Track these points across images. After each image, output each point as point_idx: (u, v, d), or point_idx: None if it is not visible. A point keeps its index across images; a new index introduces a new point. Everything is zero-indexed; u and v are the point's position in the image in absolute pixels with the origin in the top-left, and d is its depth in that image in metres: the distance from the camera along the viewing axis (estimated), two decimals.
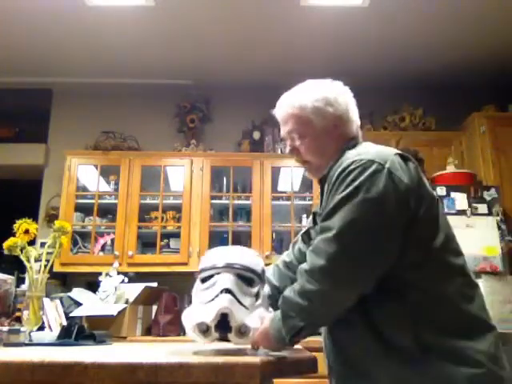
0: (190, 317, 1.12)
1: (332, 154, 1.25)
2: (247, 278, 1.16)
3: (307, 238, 1.40)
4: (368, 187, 1.05)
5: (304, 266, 1.09)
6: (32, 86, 4.07)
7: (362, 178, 1.06)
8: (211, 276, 1.16)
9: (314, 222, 1.31)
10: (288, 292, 1.10)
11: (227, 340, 1.10)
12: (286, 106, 1.31)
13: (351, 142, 1.26)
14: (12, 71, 3.92)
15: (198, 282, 1.19)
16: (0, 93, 4.01)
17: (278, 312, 1.11)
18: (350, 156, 1.15)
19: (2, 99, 4.06)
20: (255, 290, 1.17)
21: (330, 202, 1.11)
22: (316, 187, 3.57)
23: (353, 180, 1.07)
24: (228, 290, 1.11)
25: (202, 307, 1.12)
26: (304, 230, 1.45)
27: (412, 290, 1.06)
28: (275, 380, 1.16)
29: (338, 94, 1.28)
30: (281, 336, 1.08)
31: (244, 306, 1.11)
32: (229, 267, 1.16)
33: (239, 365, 0.93)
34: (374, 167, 1.07)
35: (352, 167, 1.09)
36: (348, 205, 1.05)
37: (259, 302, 1.16)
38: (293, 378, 1.29)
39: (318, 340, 2.96)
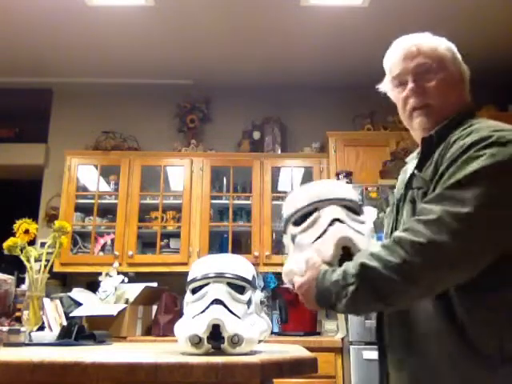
0: (182, 329, 1.11)
1: (454, 107, 1.14)
2: (238, 285, 1.16)
3: (386, 205, 1.32)
4: (507, 172, 0.93)
5: (411, 237, 0.92)
6: (32, 85, 4.07)
7: (504, 156, 0.93)
8: (202, 286, 1.15)
9: (409, 184, 1.13)
10: (373, 261, 0.93)
11: (220, 350, 1.08)
12: (423, 37, 1.20)
13: (469, 108, 1.16)
14: (12, 71, 3.91)
15: (188, 293, 1.18)
16: (0, 93, 4.01)
17: (340, 272, 0.97)
18: (483, 127, 1.03)
19: (2, 99, 4.06)
20: (247, 297, 1.16)
21: (458, 170, 0.96)
22: None
23: (493, 155, 0.93)
24: (219, 301, 1.10)
25: (193, 319, 1.11)
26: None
27: (507, 291, 0.95)
28: (275, 380, 1.16)
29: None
30: (328, 299, 0.97)
31: (236, 316, 1.10)
32: (219, 277, 1.15)
33: (239, 365, 0.93)
34: None
35: (491, 140, 0.96)
36: (486, 181, 0.92)
37: (251, 309, 1.16)
38: (293, 378, 1.29)
39: (317, 340, 2.98)
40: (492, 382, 0.94)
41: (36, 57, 3.72)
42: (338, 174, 3.34)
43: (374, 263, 0.93)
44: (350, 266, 0.97)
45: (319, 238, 1.04)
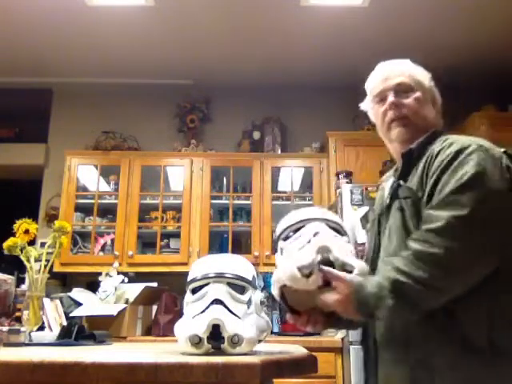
0: (182, 329, 1.11)
1: (429, 124, 1.27)
2: (238, 285, 1.16)
3: (365, 221, 1.41)
4: (494, 175, 1.05)
5: (429, 249, 1.00)
6: (32, 85, 4.07)
7: (487, 161, 1.06)
8: (202, 286, 1.15)
9: (394, 195, 1.23)
10: (403, 277, 1.01)
11: (220, 350, 1.08)
12: (403, 62, 1.35)
13: (442, 129, 1.29)
14: (12, 71, 3.91)
15: (188, 293, 1.18)
16: (0, 93, 4.01)
17: (375, 284, 1.04)
18: (460, 138, 1.16)
19: (2, 99, 4.05)
20: (247, 297, 1.16)
21: (452, 176, 1.06)
22: (316, 187, 3.57)
23: (479, 161, 1.06)
24: (219, 301, 1.11)
25: (193, 319, 1.11)
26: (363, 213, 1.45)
27: (497, 291, 1.04)
28: (275, 380, 1.16)
29: None
30: (367, 308, 1.04)
31: (236, 316, 1.11)
32: (219, 277, 1.15)
33: (239, 365, 0.93)
34: (494, 158, 1.09)
35: (474, 148, 1.09)
36: (479, 184, 1.02)
37: (251, 309, 1.16)
38: (293, 378, 1.29)
39: (317, 340, 2.97)
40: (487, 376, 1.01)
41: (36, 57, 3.72)
42: (338, 174, 3.33)
43: (404, 279, 1.01)
44: (384, 279, 1.04)
45: (303, 247, 1.11)
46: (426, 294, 1.00)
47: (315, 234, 1.10)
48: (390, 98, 1.28)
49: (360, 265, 1.09)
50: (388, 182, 1.37)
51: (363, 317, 1.07)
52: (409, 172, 1.22)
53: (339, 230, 1.17)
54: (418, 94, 1.28)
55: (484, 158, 1.07)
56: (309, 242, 1.10)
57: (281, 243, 1.18)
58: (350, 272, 1.06)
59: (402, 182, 1.21)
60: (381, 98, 1.32)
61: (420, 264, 1.00)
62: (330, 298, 1.08)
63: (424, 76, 1.33)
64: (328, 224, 1.16)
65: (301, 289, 1.07)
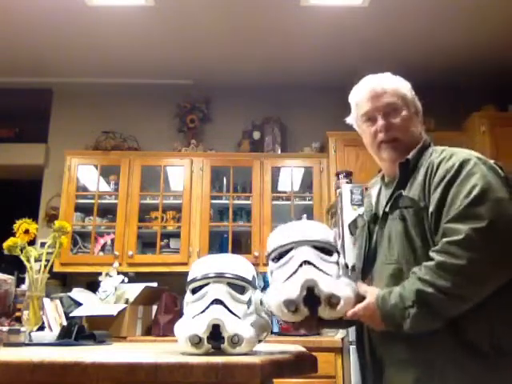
0: (182, 329, 1.11)
1: (417, 139, 1.32)
2: (238, 285, 1.17)
3: (354, 227, 1.43)
4: (498, 186, 1.10)
5: (452, 260, 1.04)
6: (32, 85, 4.07)
7: (491, 177, 1.12)
8: (202, 286, 1.16)
9: (393, 204, 1.27)
10: (427, 287, 1.05)
11: (220, 350, 1.08)
12: (385, 77, 1.38)
13: (428, 138, 1.35)
14: (12, 71, 3.91)
15: (188, 293, 1.18)
16: (0, 93, 4.01)
17: (397, 295, 1.09)
18: (457, 150, 1.22)
19: (2, 99, 4.05)
20: (247, 297, 1.17)
21: (462, 188, 1.10)
22: (316, 187, 3.57)
23: (484, 174, 1.11)
24: (219, 301, 1.11)
25: (193, 319, 1.11)
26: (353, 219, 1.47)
27: (495, 295, 1.07)
28: (275, 380, 1.16)
29: None
30: (393, 320, 1.09)
31: (236, 316, 1.11)
32: (219, 277, 1.16)
33: (239, 365, 0.93)
34: (492, 169, 1.15)
35: (475, 160, 1.15)
36: (490, 198, 1.07)
37: (251, 309, 1.16)
38: (293, 377, 1.29)
39: (317, 340, 2.97)
40: (491, 379, 1.04)
41: (36, 57, 3.72)
42: (338, 174, 3.33)
43: (428, 289, 1.05)
44: (406, 290, 1.08)
45: (290, 276, 1.12)
46: (447, 302, 1.04)
47: (302, 264, 1.12)
48: (380, 121, 1.31)
49: (346, 294, 1.10)
50: (374, 189, 1.42)
51: (390, 328, 1.10)
52: (406, 182, 1.26)
53: (329, 250, 1.18)
54: (404, 112, 1.32)
55: (487, 170, 1.12)
56: (296, 271, 1.11)
57: (270, 264, 1.20)
58: (336, 304, 1.08)
59: (403, 192, 1.24)
60: (368, 117, 1.35)
61: (442, 273, 1.04)
62: (357, 310, 1.12)
63: (406, 89, 1.37)
64: (316, 246, 1.16)
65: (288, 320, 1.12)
